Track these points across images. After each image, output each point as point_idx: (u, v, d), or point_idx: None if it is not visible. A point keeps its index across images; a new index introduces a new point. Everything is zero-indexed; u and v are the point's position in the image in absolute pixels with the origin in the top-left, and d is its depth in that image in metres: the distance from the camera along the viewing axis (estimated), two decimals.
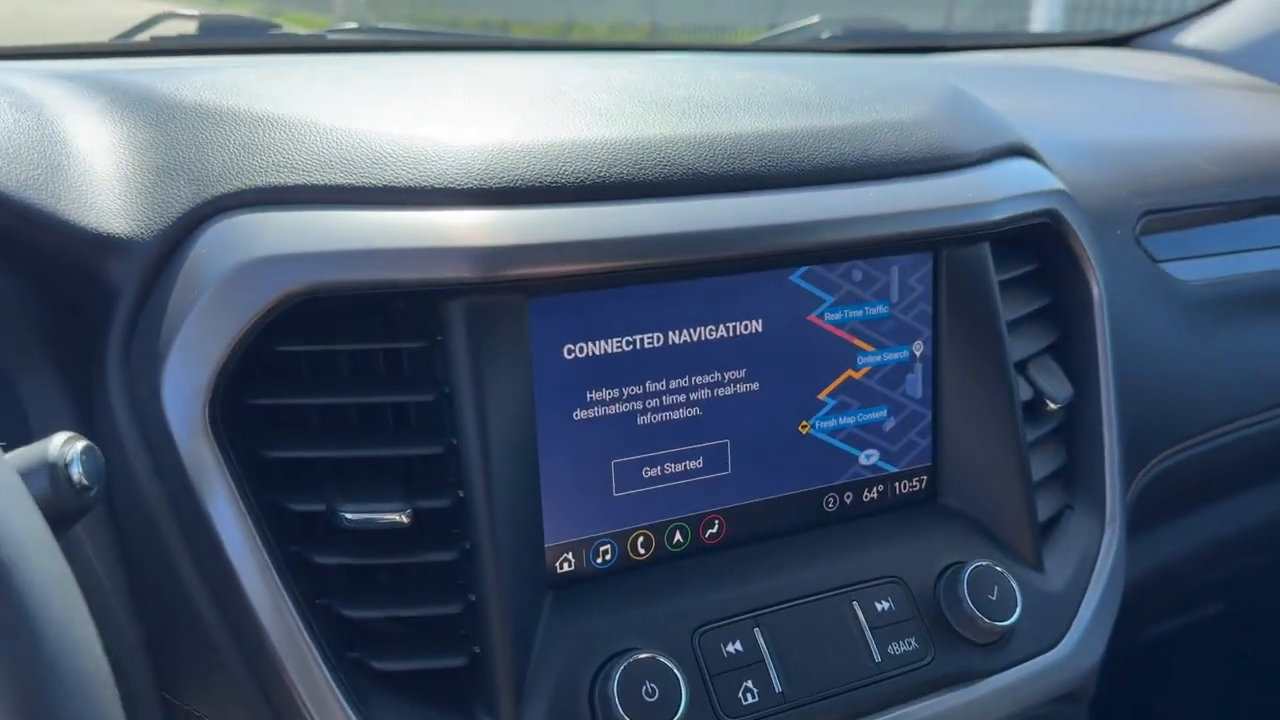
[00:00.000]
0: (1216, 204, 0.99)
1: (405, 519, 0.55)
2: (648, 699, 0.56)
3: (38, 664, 0.33)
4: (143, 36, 1.03)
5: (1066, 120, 1.02)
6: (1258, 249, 1.01)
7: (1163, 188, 0.95)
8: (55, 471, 0.44)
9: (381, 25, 1.18)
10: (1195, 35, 1.37)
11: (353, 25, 1.14)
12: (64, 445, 0.44)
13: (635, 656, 0.57)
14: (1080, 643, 0.70)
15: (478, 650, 0.57)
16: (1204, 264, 0.96)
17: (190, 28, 1.02)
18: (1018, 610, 0.66)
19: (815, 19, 1.32)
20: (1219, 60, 1.33)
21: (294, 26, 1.31)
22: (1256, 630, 1.23)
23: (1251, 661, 1.26)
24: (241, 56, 0.93)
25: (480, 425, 0.56)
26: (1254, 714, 1.27)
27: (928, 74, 0.89)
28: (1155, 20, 1.45)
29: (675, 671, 0.57)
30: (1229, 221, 1.01)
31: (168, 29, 1.03)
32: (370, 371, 0.58)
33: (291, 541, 0.56)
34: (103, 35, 1.05)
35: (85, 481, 0.44)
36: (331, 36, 1.10)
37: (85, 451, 0.45)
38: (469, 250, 0.55)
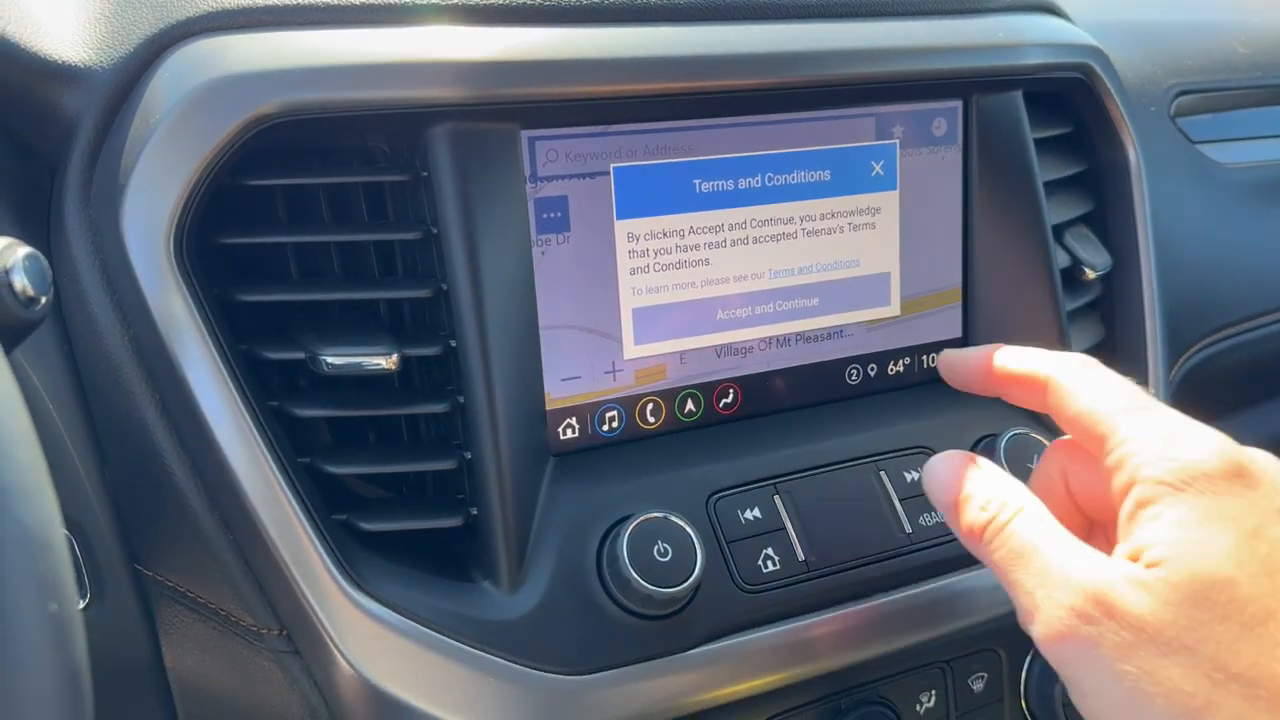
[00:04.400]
0: (1252, 86, 0.93)
1: (392, 364, 0.51)
2: (660, 559, 0.51)
3: None
4: None
5: (1095, 2, 0.96)
6: None
7: (1196, 67, 0.90)
8: None
9: None
10: None
11: None
12: (3, 250, 0.39)
13: (646, 516, 0.52)
14: None
15: (474, 511, 0.52)
16: (1242, 147, 0.91)
17: None
18: None
19: None
20: None
21: None
22: None
23: None
24: None
25: (472, 267, 0.52)
26: None
27: None
28: None
29: (689, 531, 0.52)
30: (1267, 106, 0.96)
31: None
32: (350, 212, 0.53)
33: (270, 395, 0.51)
34: None
35: (30, 292, 0.40)
36: None
37: (29, 259, 0.40)
38: (458, 66, 0.50)
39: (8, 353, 0.37)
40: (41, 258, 0.40)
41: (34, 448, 0.30)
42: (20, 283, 0.39)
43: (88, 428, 0.52)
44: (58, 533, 0.29)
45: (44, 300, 0.40)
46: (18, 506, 0.27)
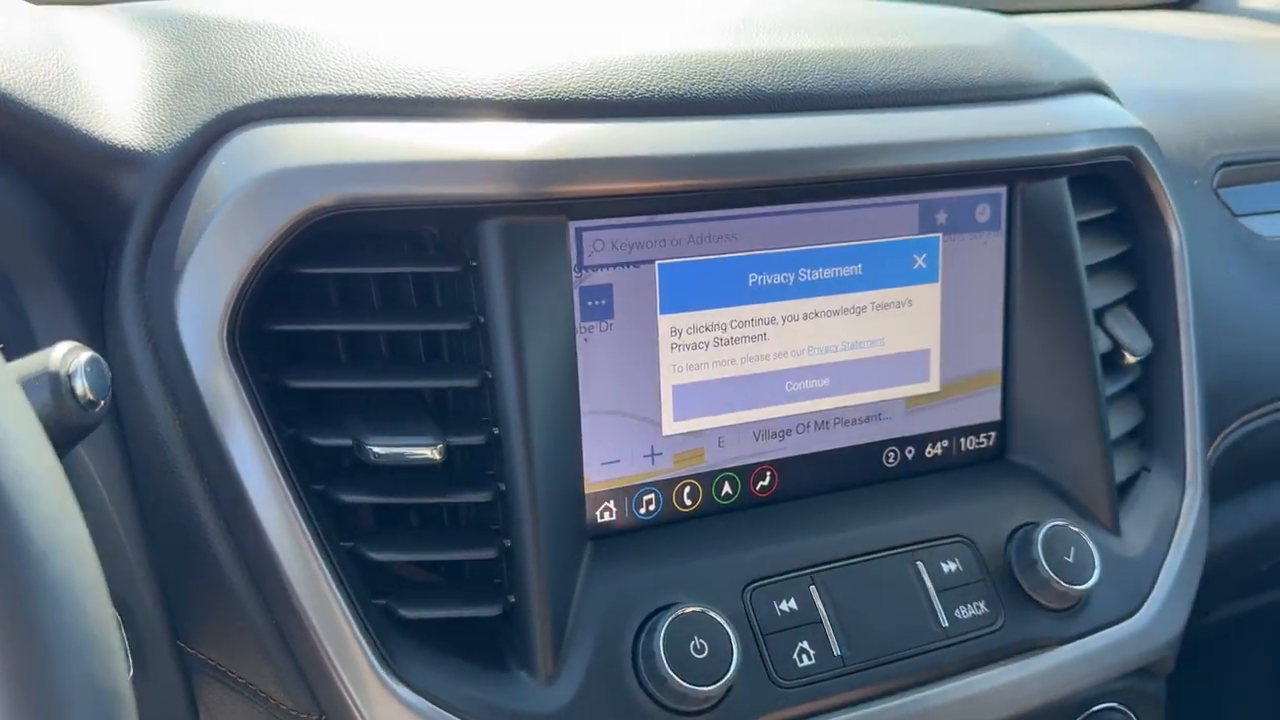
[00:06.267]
0: None
1: (437, 454, 0.51)
2: (696, 655, 0.52)
3: (34, 588, 0.29)
4: None
5: (1136, 72, 0.96)
6: None
7: (1240, 138, 0.89)
8: (57, 383, 0.40)
9: None
10: None
11: None
12: (67, 355, 0.40)
13: (682, 610, 0.52)
14: (1161, 611, 0.65)
15: (513, 599, 0.53)
16: None
17: None
18: (1096, 573, 0.61)
19: None
20: None
21: None
22: None
23: None
24: None
25: (517, 357, 0.52)
26: None
27: (992, 15, 0.83)
28: None
29: (725, 627, 0.52)
30: None
31: None
32: (400, 299, 0.54)
33: (315, 479, 0.52)
34: None
35: (90, 396, 0.40)
36: None
37: (90, 363, 0.41)
38: (509, 164, 0.50)
39: (61, 455, 0.37)
40: (102, 361, 0.41)
41: (105, 598, 0.30)
42: (81, 387, 0.40)
43: (136, 505, 0.53)
44: (125, 686, 0.29)
45: (103, 404, 0.41)
46: (90, 661, 0.28)
